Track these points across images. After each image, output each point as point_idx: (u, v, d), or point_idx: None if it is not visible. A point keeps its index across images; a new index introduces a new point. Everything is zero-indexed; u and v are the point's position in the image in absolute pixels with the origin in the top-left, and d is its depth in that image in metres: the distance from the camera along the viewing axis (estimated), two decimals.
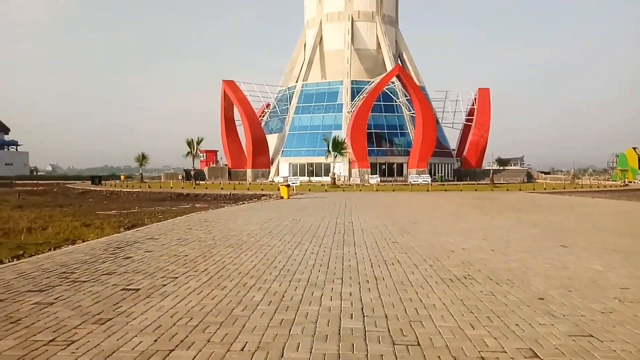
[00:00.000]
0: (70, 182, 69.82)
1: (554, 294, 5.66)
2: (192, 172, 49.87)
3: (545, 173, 71.46)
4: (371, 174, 51.86)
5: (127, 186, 45.83)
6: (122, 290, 5.86)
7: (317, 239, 10.23)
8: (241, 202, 25.43)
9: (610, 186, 46.50)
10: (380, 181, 47.08)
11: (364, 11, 64.69)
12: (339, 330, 4.37)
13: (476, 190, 37.37)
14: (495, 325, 4.49)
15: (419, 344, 4.01)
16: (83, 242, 10.61)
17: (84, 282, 6.29)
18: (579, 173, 71.20)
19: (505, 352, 3.84)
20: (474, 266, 7.29)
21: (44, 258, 8.13)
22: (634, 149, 62.65)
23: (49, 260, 7.90)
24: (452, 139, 68.35)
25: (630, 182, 56.36)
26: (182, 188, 41.52)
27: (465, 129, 65.91)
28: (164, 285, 6.10)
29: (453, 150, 66.81)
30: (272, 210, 18.04)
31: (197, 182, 48.07)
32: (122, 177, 65.38)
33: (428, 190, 36.52)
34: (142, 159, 56.80)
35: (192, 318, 4.73)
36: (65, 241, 11.15)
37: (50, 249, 9.67)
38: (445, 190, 37.10)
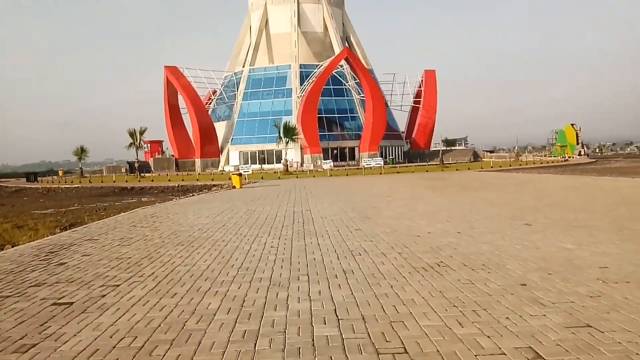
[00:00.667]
0: (2, 180, 65.01)
1: (535, 278, 5.32)
2: (136, 164, 47.39)
3: (490, 152, 73.89)
4: (323, 159, 51.48)
5: (65, 182, 43.00)
6: (52, 305, 4.99)
7: (275, 231, 9.57)
8: (190, 194, 24.26)
9: (552, 162, 48.52)
10: (334, 166, 46.78)
11: None
12: (313, 339, 3.78)
13: (427, 171, 37.81)
14: (484, 321, 4.05)
15: (406, 351, 3.48)
16: (12, 247, 9.42)
17: (7, 297, 5.36)
18: (521, 150, 74.11)
19: (504, 353, 3.39)
20: (444, 251, 6.90)
21: None
22: (572, 125, 65.72)
23: None
24: (401, 121, 69.18)
25: (570, 157, 59.19)
26: (126, 181, 39.40)
27: (413, 111, 66.68)
28: (103, 296, 5.27)
29: (402, 132, 67.57)
30: (225, 201, 17.16)
31: (142, 174, 45.81)
32: (60, 172, 61.46)
33: (381, 173, 36.55)
34: (81, 152, 53.39)
35: (136, 337, 3.98)
36: None
37: None
38: (398, 173, 37.28)
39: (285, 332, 3.96)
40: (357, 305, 4.59)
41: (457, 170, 37.90)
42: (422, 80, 64.67)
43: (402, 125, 68.75)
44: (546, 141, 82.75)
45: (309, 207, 13.85)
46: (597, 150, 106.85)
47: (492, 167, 40.31)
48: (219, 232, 9.58)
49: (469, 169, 39.09)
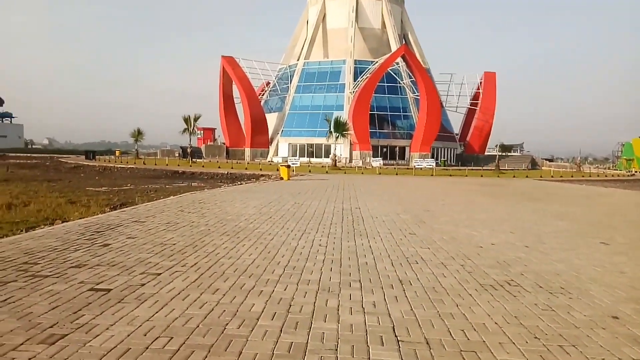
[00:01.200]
0: (64, 156, 68.34)
1: (627, 310, 4.53)
2: (189, 150, 48.31)
3: (549, 160, 70.32)
4: (373, 157, 50.62)
5: (121, 162, 44.50)
6: (89, 290, 4.72)
7: (324, 228, 9.08)
8: (239, 182, 24.26)
9: (618, 175, 45.38)
10: (383, 164, 45.82)
11: None
12: None
13: (482, 176, 36.21)
14: None
15: None
16: (62, 222, 9.46)
17: (46, 277, 5.15)
18: (582, 161, 70.03)
19: None
20: (514, 267, 6.16)
21: (7, 243, 6.96)
22: None
23: (13, 246, 6.74)
24: (455, 124, 66.99)
25: (637, 171, 55.23)
26: (178, 166, 40.21)
27: (469, 114, 64.41)
28: (143, 285, 4.95)
29: (456, 134, 65.43)
30: (272, 192, 16.87)
31: (194, 160, 46.70)
32: (117, 152, 63.91)
33: (432, 175, 35.33)
34: (138, 134, 55.13)
35: (171, 338, 3.59)
36: (45, 220, 10.01)
37: (22, 231, 8.53)
38: (450, 176, 35.91)
39: (336, 350, 3.44)
40: (419, 324, 4.00)
41: (514, 177, 36.07)
42: (480, 82, 62.29)
43: (456, 128, 66.63)
44: (609, 153, 77.73)
45: (358, 205, 13.28)
46: None
47: (552, 176, 38.08)
48: (265, 225, 9.20)
49: (527, 176, 37.10)
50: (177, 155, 57.47)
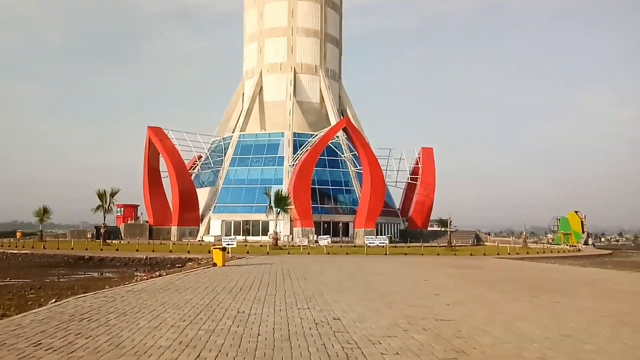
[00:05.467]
0: None
1: None
2: (102, 230, 41.26)
3: (487, 234, 69.76)
4: (314, 233, 46.55)
5: (16, 246, 36.88)
6: None
7: None
8: (157, 272, 18.88)
9: (568, 251, 44.25)
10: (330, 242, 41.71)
11: (307, 64, 61.91)
12: None
13: (438, 254, 33.08)
14: None
15: None
16: None
17: None
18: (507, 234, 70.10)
19: None
20: None
21: None
22: (576, 212, 62.57)
23: None
24: (396, 199, 65.31)
25: (582, 246, 55.11)
26: (86, 249, 33.55)
27: (409, 188, 63.26)
28: None
29: (398, 209, 63.53)
30: (203, 290, 12.05)
31: (107, 241, 39.81)
32: (18, 234, 54.76)
33: (386, 254, 31.60)
34: (43, 213, 47.25)
35: None
36: None
37: None
38: (405, 254, 32.36)
39: None
40: None
41: (471, 254, 33.23)
42: (419, 157, 61.87)
43: (397, 203, 64.88)
44: (527, 227, 78.69)
45: (334, 313, 8.90)
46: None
47: (509, 253, 35.74)
48: None
49: (484, 254, 34.42)
50: (89, 236, 49.86)
